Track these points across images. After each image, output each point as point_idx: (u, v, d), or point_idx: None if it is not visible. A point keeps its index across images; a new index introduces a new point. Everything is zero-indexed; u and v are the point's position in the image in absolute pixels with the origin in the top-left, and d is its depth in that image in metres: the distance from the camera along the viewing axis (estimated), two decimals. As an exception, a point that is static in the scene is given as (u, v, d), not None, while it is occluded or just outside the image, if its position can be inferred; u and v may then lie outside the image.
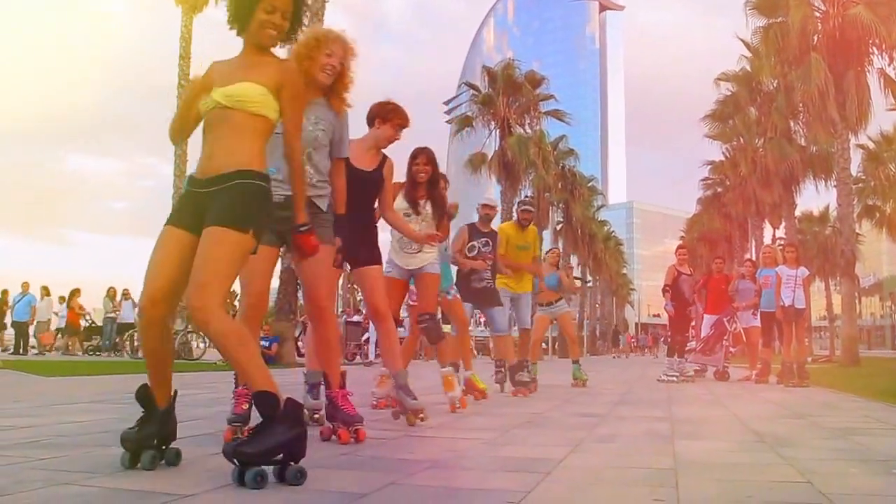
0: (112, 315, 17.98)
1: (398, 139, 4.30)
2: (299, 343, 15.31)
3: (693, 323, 11.28)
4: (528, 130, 30.11)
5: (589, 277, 49.57)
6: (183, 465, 2.58)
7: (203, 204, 2.45)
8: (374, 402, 5.09)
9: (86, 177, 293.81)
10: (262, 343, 12.86)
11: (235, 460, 2.23)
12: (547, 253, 9.20)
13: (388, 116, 4.19)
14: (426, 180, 4.83)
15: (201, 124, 2.60)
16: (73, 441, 2.72)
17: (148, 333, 2.50)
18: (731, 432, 4.04)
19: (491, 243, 6.72)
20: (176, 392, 2.59)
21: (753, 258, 17.96)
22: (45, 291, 18.97)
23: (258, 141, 2.54)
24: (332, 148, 3.39)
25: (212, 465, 2.59)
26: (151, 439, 2.48)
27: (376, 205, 4.26)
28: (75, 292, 18.58)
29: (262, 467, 2.22)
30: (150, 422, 2.49)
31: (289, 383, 5.10)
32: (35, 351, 18.21)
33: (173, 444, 2.56)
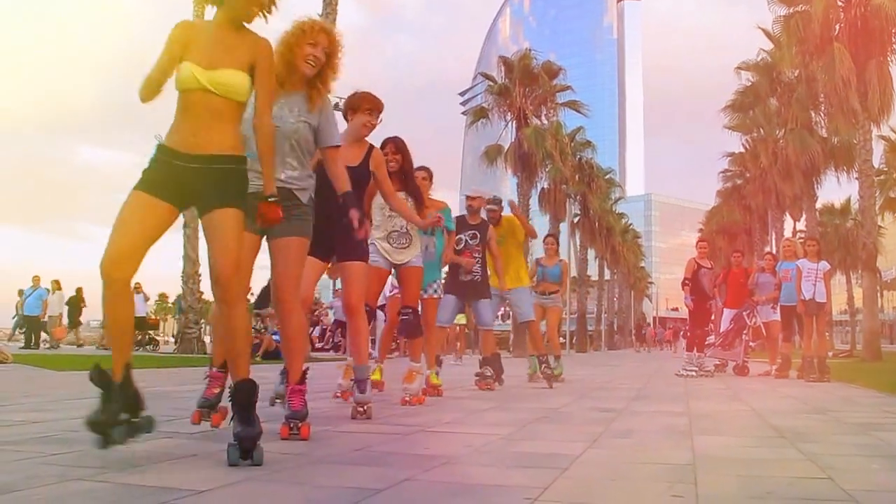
0: None
1: (376, 124, 4.29)
2: (313, 336, 15.37)
3: (713, 317, 11.16)
4: (545, 122, 29.91)
5: (606, 271, 49.34)
6: (196, 460, 2.58)
7: (187, 179, 2.56)
8: (338, 393, 5.06)
9: (97, 170, 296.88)
10: (274, 338, 12.90)
11: (240, 446, 2.45)
12: (544, 241, 8.99)
13: (356, 105, 4.20)
14: (397, 169, 4.81)
15: (169, 88, 2.65)
16: (86, 436, 2.71)
17: (110, 295, 2.51)
18: (750, 427, 3.99)
19: (479, 235, 6.66)
20: (129, 364, 2.58)
21: (773, 251, 17.77)
22: (57, 285, 18.98)
23: (238, 125, 2.68)
24: (318, 138, 3.34)
25: (225, 460, 2.59)
26: (117, 415, 2.50)
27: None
28: None
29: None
30: (110, 399, 2.52)
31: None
32: (47, 345, 18.32)
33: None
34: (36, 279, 18.40)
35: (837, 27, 18.09)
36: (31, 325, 18.07)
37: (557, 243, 9.08)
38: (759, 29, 22.65)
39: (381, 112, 4.32)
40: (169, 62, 2.64)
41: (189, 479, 2.24)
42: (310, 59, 3.24)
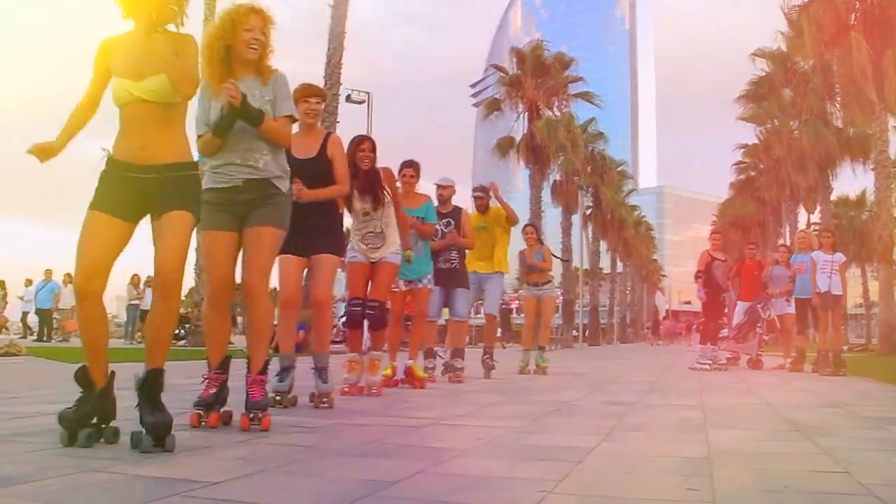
0: (135, 302, 18.14)
1: (315, 108, 4.24)
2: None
3: (726, 310, 11.09)
4: (557, 113, 29.76)
5: (619, 263, 49.16)
6: (209, 452, 2.59)
7: (142, 189, 2.66)
8: (345, 388, 5.06)
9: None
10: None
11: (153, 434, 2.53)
12: (524, 230, 8.83)
13: (294, 97, 4.12)
14: (368, 168, 4.89)
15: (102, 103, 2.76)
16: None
17: (85, 308, 2.63)
18: (765, 421, 3.96)
19: (453, 222, 6.66)
20: (113, 373, 2.70)
21: (787, 244, 17.63)
22: (69, 279, 19.12)
23: (183, 129, 2.78)
24: (273, 110, 3.28)
25: (238, 453, 2.61)
26: (89, 418, 2.61)
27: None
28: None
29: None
30: (87, 401, 2.62)
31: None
32: (59, 338, 18.46)
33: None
34: (48, 272, 18.51)
35: (854, 16, 17.87)
36: (42, 318, 18.22)
37: (537, 232, 8.93)
38: (783, 13, 22.15)
39: (320, 97, 4.31)
40: (97, 83, 2.74)
41: (202, 470, 2.25)
42: (252, 43, 3.23)
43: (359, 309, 4.99)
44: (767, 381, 7.50)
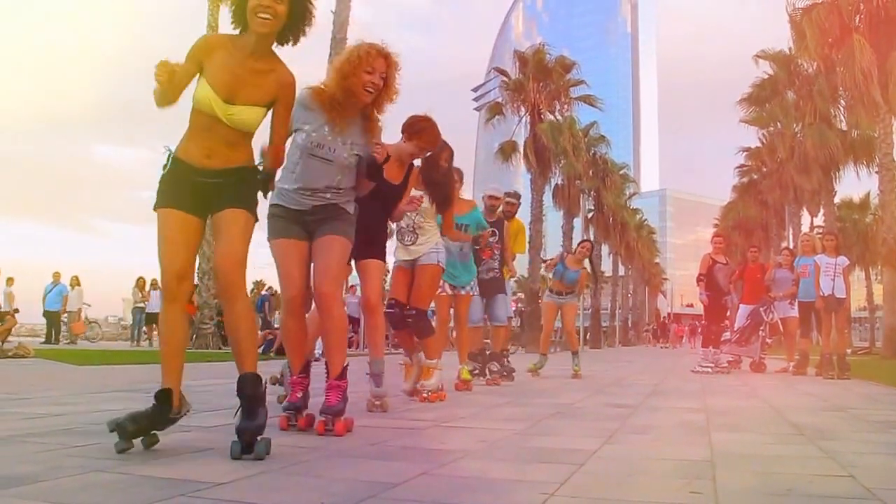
0: (141, 305, 18.19)
1: (419, 157, 4.33)
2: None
3: (728, 313, 11.08)
4: (559, 117, 29.77)
5: (621, 267, 49.09)
6: (215, 453, 2.60)
7: (208, 191, 2.65)
8: (425, 395, 5.03)
9: (113, 167, 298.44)
10: None
11: (243, 438, 2.46)
12: (578, 246, 9.02)
13: (416, 135, 4.17)
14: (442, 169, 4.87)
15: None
16: (107, 429, 2.76)
17: (173, 311, 2.64)
18: (768, 424, 3.96)
19: (497, 233, 6.69)
20: (182, 397, 2.70)
21: (791, 247, 17.58)
22: (76, 281, 19.12)
23: (250, 143, 2.78)
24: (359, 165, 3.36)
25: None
26: (148, 430, 2.62)
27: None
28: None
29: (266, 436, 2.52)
30: (154, 417, 2.62)
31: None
32: (66, 340, 18.49)
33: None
34: (56, 275, 18.55)
35: (858, 18, 17.85)
36: (51, 321, 18.27)
37: (591, 251, 9.04)
38: (787, 13, 22.11)
39: (434, 147, 4.35)
40: (184, 76, 2.65)
41: (209, 471, 2.26)
42: (368, 86, 3.17)
43: (394, 311, 4.97)
44: (771, 384, 7.49)
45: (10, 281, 17.82)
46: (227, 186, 2.66)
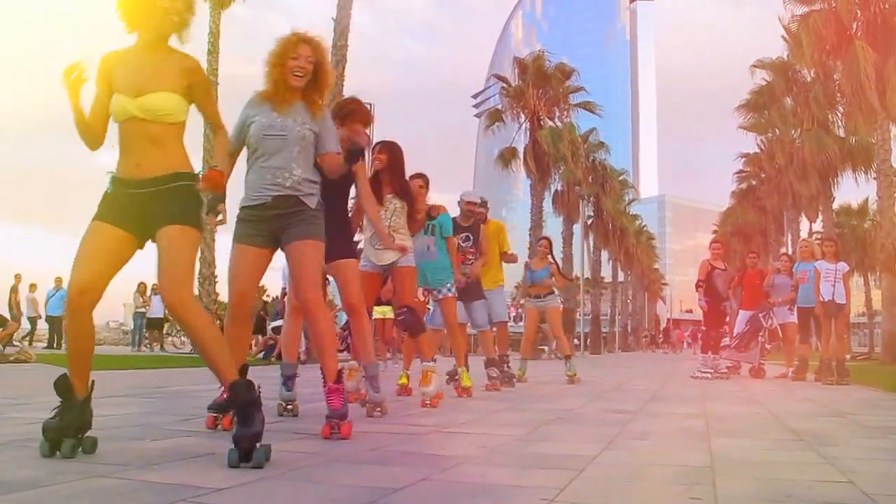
0: (142, 310, 18.16)
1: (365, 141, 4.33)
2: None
3: (727, 318, 11.08)
4: (559, 123, 29.84)
5: (620, 273, 49.12)
6: (215, 458, 2.60)
7: (143, 204, 2.60)
8: (427, 402, 5.03)
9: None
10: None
11: (240, 446, 2.42)
12: (539, 242, 8.92)
13: (346, 119, 4.19)
14: (382, 168, 4.89)
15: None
16: (107, 434, 2.77)
17: (75, 321, 2.60)
18: (768, 430, 3.96)
19: (472, 237, 6.69)
20: (93, 382, 2.67)
21: (789, 253, 17.60)
22: None
23: (181, 143, 2.73)
24: (318, 146, 3.41)
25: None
26: (71, 428, 2.55)
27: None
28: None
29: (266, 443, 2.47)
30: (70, 411, 2.57)
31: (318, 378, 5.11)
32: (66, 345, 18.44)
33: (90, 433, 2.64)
34: (58, 280, 18.53)
35: (855, 25, 17.92)
36: (52, 326, 18.27)
37: (551, 248, 8.93)
38: (781, 25, 22.23)
39: (370, 125, 4.38)
40: (100, 101, 2.69)
41: (209, 477, 2.26)
42: (296, 70, 3.32)
43: (407, 315, 4.97)
44: (770, 390, 7.49)
45: (32, 287, 18.18)
46: (163, 196, 2.61)
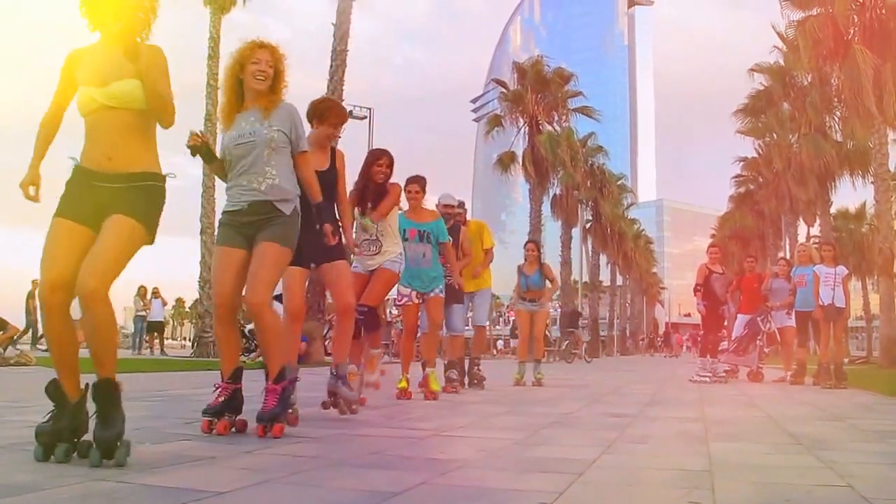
0: (142, 313, 18.16)
1: (338, 136, 4.45)
2: (326, 342, 15.41)
3: (725, 322, 11.10)
4: (557, 128, 29.90)
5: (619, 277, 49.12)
6: (215, 462, 2.60)
7: (106, 198, 2.58)
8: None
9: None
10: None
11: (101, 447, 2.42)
12: (525, 246, 8.90)
13: (323, 116, 4.27)
14: (381, 181, 5.00)
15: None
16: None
17: (51, 321, 2.57)
18: (766, 434, 3.96)
19: (451, 238, 6.70)
20: (87, 385, 2.61)
21: (787, 257, 17.63)
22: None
23: (152, 137, 2.74)
24: (292, 146, 3.47)
25: (243, 463, 2.62)
26: (65, 432, 2.53)
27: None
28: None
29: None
30: (62, 416, 2.54)
31: (317, 382, 5.11)
32: None
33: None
34: None
35: (853, 30, 17.98)
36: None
37: (538, 249, 8.96)
38: (774, 32, 22.33)
39: (345, 125, 4.48)
40: (62, 94, 2.70)
41: (209, 480, 2.26)
42: (258, 75, 3.39)
43: (365, 314, 4.96)
44: (769, 394, 7.49)
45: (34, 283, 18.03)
46: (125, 193, 2.60)
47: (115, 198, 2.59)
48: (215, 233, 3.86)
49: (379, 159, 5.02)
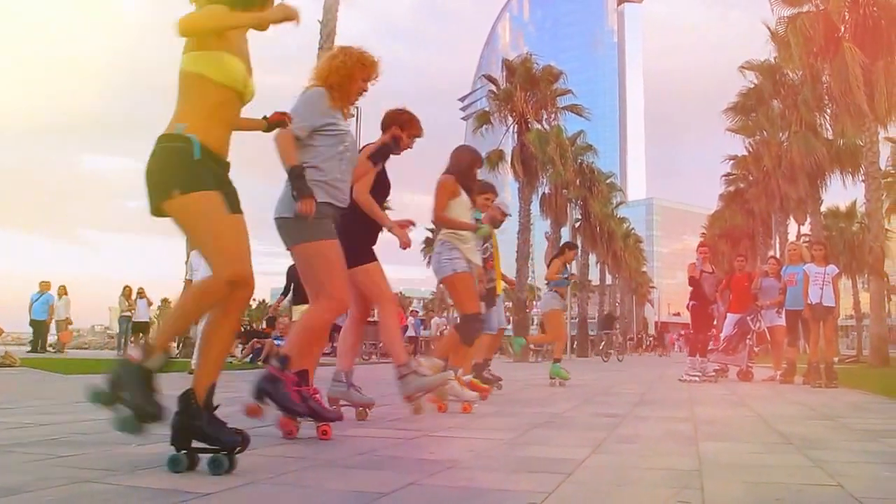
0: (127, 314, 18.03)
1: (410, 148, 4.40)
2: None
3: (715, 321, 11.13)
4: (546, 126, 29.91)
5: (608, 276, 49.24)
6: (202, 464, 2.57)
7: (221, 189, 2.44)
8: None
9: (101, 176, 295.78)
10: (276, 342, 12.90)
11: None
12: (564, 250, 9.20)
13: (404, 126, 4.27)
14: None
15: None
16: (94, 439, 2.74)
17: (244, 305, 2.47)
18: (756, 433, 3.97)
19: (490, 246, 6.75)
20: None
21: (777, 255, 17.71)
22: (63, 290, 18.98)
23: None
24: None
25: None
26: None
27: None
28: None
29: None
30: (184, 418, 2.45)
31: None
32: (53, 349, 18.32)
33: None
34: (43, 284, 18.40)
35: (843, 27, 18.05)
36: (37, 330, 18.12)
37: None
38: (765, 27, 22.37)
39: (420, 135, 4.47)
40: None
41: (195, 482, 2.24)
42: (361, 93, 3.49)
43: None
44: (758, 393, 7.52)
45: (62, 290, 18.48)
46: (231, 185, 2.50)
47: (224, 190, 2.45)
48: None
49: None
